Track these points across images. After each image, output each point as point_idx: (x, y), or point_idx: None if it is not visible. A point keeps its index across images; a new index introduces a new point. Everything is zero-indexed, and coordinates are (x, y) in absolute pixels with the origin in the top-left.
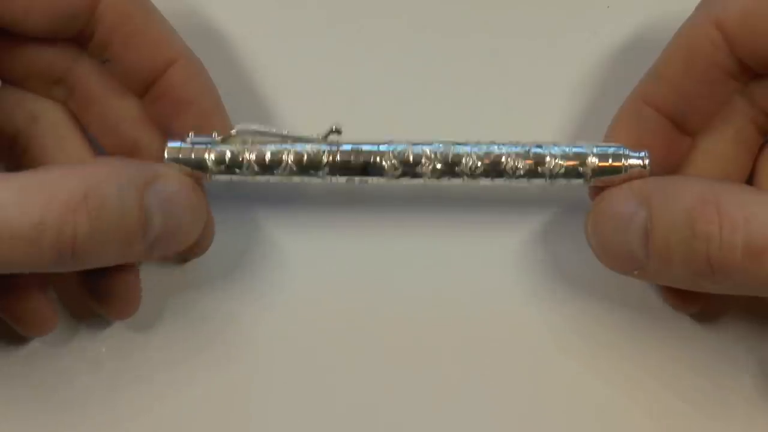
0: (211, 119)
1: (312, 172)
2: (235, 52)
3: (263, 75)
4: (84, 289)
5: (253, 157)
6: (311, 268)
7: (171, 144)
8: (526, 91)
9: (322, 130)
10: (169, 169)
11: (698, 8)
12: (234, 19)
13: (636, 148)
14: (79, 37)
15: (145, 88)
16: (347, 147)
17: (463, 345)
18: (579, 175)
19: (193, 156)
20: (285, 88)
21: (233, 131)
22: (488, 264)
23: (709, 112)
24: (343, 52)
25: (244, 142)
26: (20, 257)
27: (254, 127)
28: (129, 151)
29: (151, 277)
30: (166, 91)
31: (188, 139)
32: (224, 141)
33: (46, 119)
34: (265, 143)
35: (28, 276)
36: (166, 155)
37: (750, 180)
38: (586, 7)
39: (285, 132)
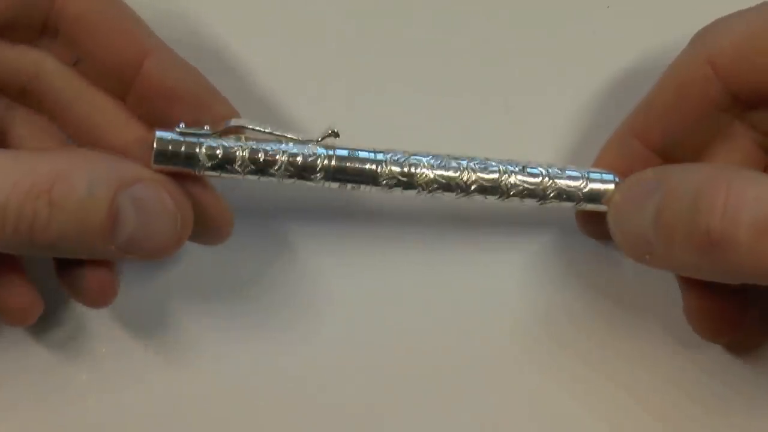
0: (211, 107)
1: (305, 175)
2: (232, 54)
3: (262, 78)
4: (59, 278)
5: (246, 154)
6: (312, 277)
7: (160, 134)
8: (528, 106)
9: (319, 132)
10: (151, 173)
11: (690, 44)
12: (231, 22)
13: (623, 176)
14: (43, 31)
15: (123, 87)
16: (344, 152)
17: (467, 361)
18: (570, 199)
19: (183, 149)
20: (284, 91)
21: (228, 124)
22: (494, 280)
23: (698, 145)
24: (351, 59)
25: (238, 139)
26: None
27: (249, 123)
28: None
29: (151, 277)
30: (149, 86)
31: (178, 129)
32: (217, 134)
33: (22, 117)
34: (259, 141)
35: (5, 261)
36: (155, 146)
37: None
38: (590, 31)
39: (280, 131)
